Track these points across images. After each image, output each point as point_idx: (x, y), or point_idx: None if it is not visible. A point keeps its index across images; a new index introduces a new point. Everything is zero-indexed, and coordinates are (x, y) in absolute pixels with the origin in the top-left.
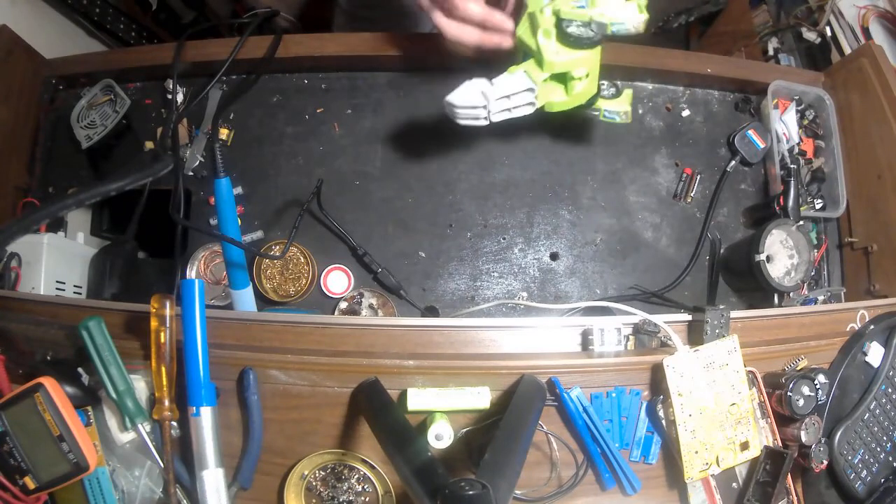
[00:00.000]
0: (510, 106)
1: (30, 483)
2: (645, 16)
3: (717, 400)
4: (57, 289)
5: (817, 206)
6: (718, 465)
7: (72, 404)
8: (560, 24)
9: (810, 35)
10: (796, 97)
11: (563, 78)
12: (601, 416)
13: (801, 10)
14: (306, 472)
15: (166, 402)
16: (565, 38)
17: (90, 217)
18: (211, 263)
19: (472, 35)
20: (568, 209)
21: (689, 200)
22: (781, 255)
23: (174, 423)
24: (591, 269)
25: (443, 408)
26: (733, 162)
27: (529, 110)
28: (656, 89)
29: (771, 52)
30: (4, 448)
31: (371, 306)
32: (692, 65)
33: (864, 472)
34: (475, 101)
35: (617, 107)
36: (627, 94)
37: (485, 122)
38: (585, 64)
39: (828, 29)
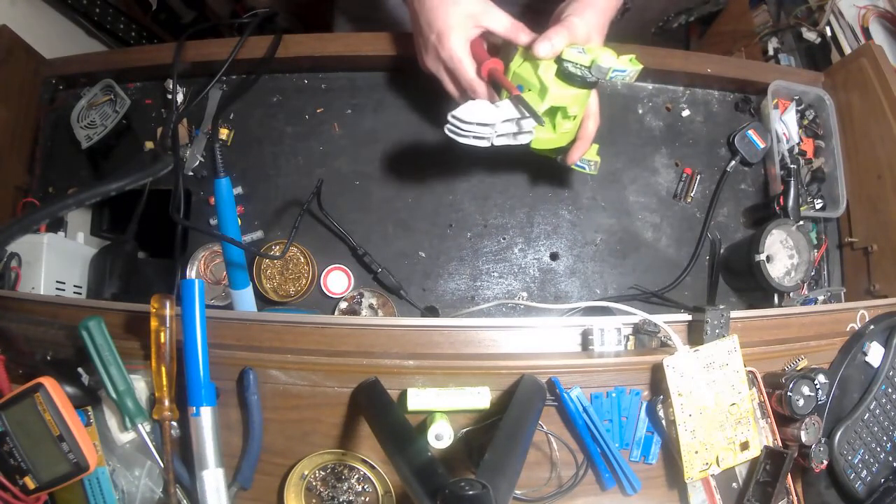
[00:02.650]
0: (514, 131)
1: (30, 483)
2: (640, 67)
3: (717, 400)
4: (57, 289)
5: (817, 206)
6: (718, 465)
7: (72, 404)
8: (561, 63)
9: (810, 35)
10: (796, 97)
11: (553, 117)
12: (601, 416)
13: (801, 10)
14: (306, 472)
15: (166, 402)
16: (565, 77)
17: (90, 217)
18: (211, 263)
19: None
20: (568, 209)
21: (689, 200)
22: (781, 255)
23: (174, 423)
24: (591, 269)
25: (443, 408)
26: (733, 162)
27: (528, 139)
28: (656, 89)
29: (771, 52)
30: (4, 448)
31: (371, 306)
32: (692, 65)
33: (864, 472)
34: (486, 117)
35: (587, 156)
36: (594, 146)
37: (486, 145)
38: (579, 103)
39: (828, 29)
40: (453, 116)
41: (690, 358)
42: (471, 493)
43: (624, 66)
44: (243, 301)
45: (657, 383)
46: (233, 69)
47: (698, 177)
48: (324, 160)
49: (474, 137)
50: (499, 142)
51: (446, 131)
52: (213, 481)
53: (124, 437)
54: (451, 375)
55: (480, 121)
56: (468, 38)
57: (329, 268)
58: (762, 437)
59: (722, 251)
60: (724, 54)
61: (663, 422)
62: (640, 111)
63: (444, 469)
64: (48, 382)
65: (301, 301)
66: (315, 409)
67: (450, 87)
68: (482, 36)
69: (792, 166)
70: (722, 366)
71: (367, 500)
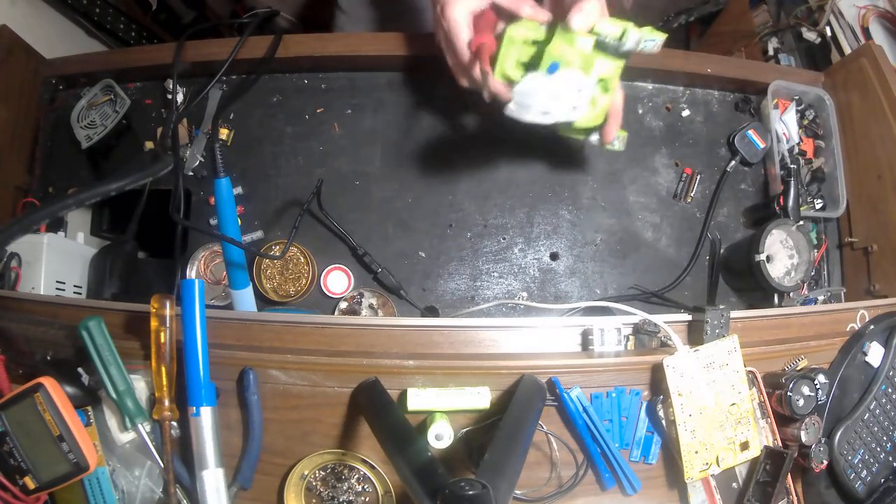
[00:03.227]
0: (576, 103)
1: (30, 483)
2: (665, 35)
3: (717, 400)
4: (57, 289)
5: (817, 206)
6: (718, 465)
7: (72, 404)
8: (596, 36)
9: (810, 35)
10: (796, 97)
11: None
12: (601, 416)
13: (801, 10)
14: (306, 472)
15: (166, 402)
16: (602, 49)
17: (90, 217)
18: (211, 263)
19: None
20: (568, 209)
21: (689, 200)
22: (781, 255)
23: (174, 423)
24: (591, 269)
25: (443, 408)
26: (733, 162)
27: (581, 114)
28: (656, 89)
29: (771, 52)
30: (4, 448)
31: (371, 306)
32: (692, 65)
33: (864, 472)
34: (552, 92)
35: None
36: None
37: (550, 121)
38: (617, 75)
39: (828, 29)
40: (519, 93)
41: (690, 358)
42: (471, 493)
43: (653, 36)
44: (243, 301)
45: (657, 383)
46: (233, 69)
47: (698, 177)
48: (324, 160)
49: (541, 113)
50: (560, 117)
51: (509, 109)
52: (213, 481)
53: (124, 437)
54: (451, 375)
55: (547, 95)
56: (470, 9)
57: (329, 268)
58: (762, 437)
59: (722, 251)
60: (724, 54)
61: (663, 422)
62: (640, 111)
63: (444, 469)
64: (48, 382)
65: (301, 301)
66: (315, 409)
67: (449, 59)
68: (492, 11)
69: (792, 166)
70: (722, 366)
71: (367, 500)
